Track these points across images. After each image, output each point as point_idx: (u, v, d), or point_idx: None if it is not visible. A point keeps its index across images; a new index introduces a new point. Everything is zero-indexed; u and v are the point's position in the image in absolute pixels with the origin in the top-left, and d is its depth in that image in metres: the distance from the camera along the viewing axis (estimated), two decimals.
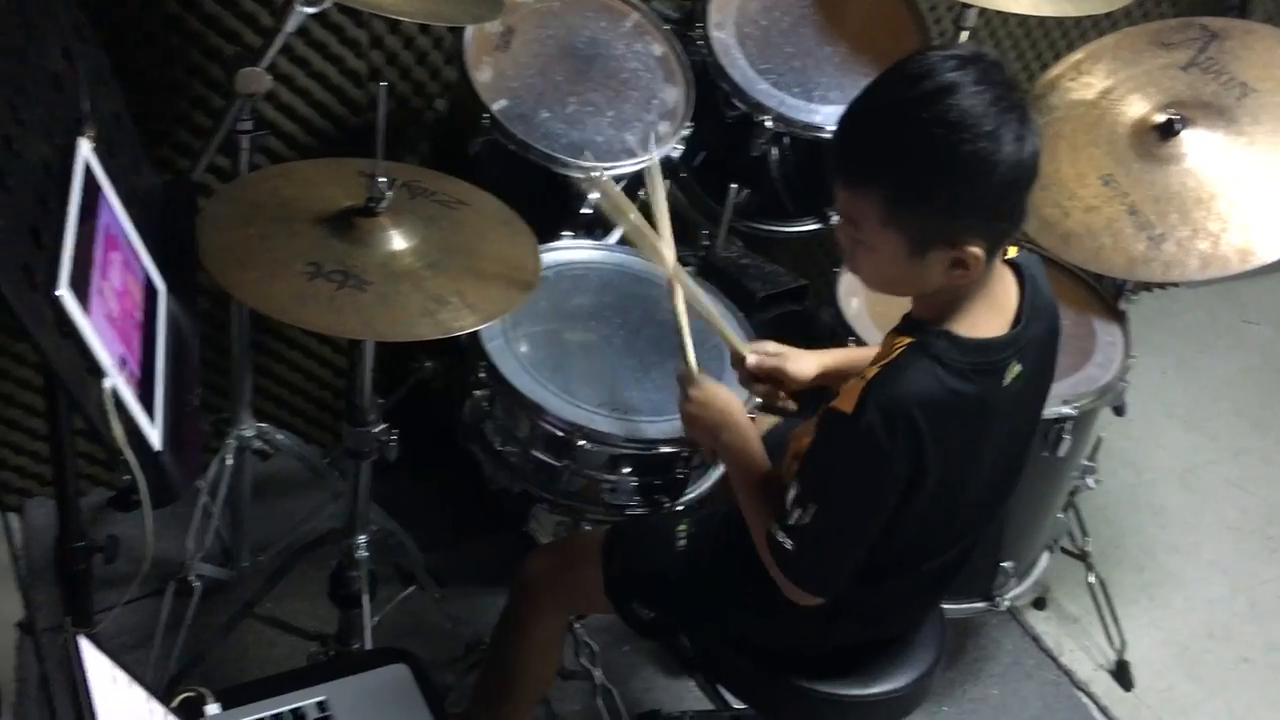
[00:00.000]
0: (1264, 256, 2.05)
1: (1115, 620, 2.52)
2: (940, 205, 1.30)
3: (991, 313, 1.40)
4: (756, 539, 1.51)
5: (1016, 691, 2.43)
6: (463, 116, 2.06)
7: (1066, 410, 2.04)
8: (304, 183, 1.68)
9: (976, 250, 1.31)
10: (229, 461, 2.18)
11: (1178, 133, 2.12)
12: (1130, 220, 2.11)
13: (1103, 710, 2.43)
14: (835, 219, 2.10)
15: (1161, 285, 3.47)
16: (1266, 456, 3.12)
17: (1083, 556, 2.51)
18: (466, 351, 1.91)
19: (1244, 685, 2.53)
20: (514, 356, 1.87)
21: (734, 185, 2.21)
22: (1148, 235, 2.09)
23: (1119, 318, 2.25)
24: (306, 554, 2.10)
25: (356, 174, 1.65)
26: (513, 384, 1.83)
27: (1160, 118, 2.14)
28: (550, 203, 2.07)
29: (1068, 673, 2.49)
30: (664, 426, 1.84)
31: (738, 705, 1.88)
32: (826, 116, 2.24)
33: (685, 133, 2.14)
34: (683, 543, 1.70)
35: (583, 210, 2.07)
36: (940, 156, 1.27)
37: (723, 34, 2.28)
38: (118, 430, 1.18)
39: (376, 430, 1.79)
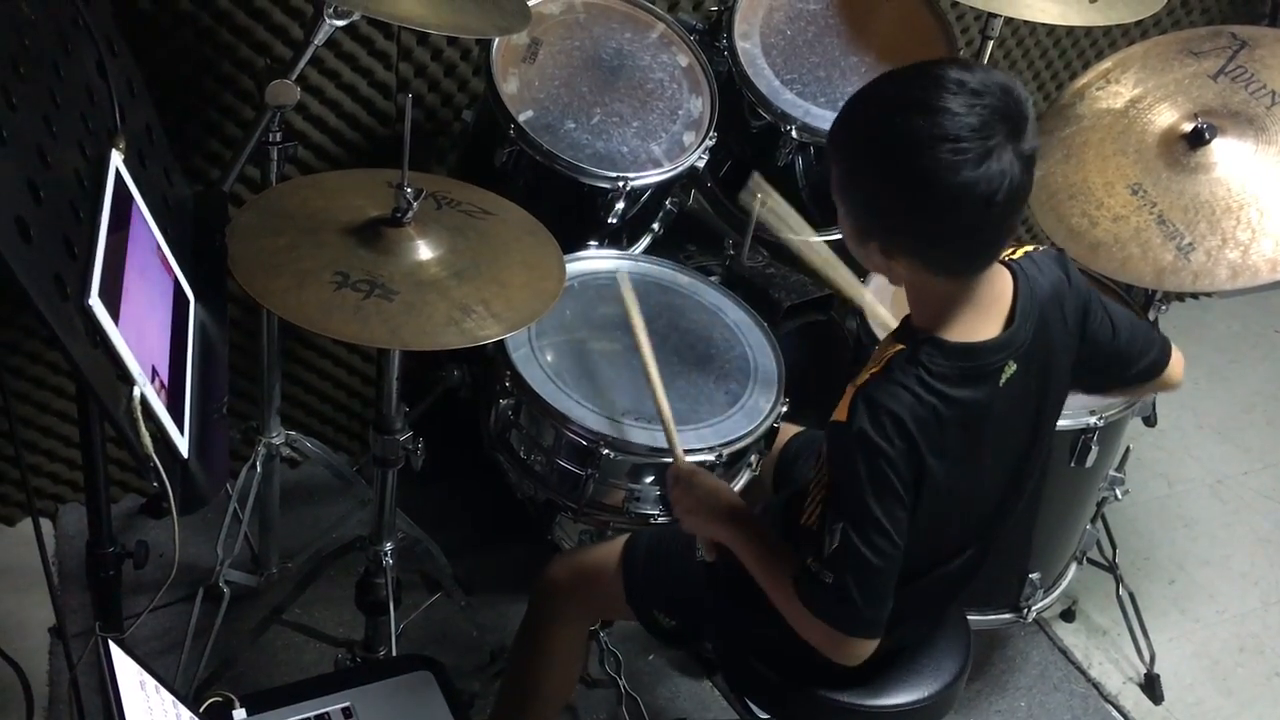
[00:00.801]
0: None
1: (1145, 633, 2.50)
2: (874, 206, 1.34)
3: (981, 318, 1.38)
4: (783, 600, 1.46)
5: (1044, 704, 2.42)
6: (490, 127, 2.08)
7: (1092, 420, 2.03)
8: (332, 193, 1.70)
9: (900, 267, 1.35)
10: (258, 469, 2.20)
11: (1208, 141, 2.10)
12: (1159, 229, 2.09)
13: None
14: None
15: (1193, 295, 3.44)
16: None
17: (1112, 568, 2.49)
18: (492, 361, 1.92)
19: (1276, 700, 2.50)
20: (539, 365, 1.88)
21: (759, 195, 2.21)
22: (1176, 245, 2.07)
23: None
24: (334, 561, 2.11)
25: (384, 184, 1.67)
26: (538, 393, 1.84)
27: (1189, 126, 2.13)
28: (576, 212, 2.08)
29: (1096, 685, 2.47)
30: (688, 436, 1.84)
31: (762, 716, 1.88)
32: None
33: (710, 143, 2.15)
34: (703, 549, 1.70)
35: (609, 220, 2.08)
36: (882, 159, 1.29)
37: (748, 44, 2.29)
38: (146, 438, 1.19)
39: (403, 438, 1.80)
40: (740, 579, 1.64)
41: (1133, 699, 2.46)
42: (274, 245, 1.57)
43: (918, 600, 1.61)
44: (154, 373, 1.26)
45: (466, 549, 2.40)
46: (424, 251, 1.59)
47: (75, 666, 1.65)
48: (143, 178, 1.43)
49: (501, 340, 1.84)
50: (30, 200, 1.10)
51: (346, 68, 2.24)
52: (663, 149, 2.12)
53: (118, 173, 1.33)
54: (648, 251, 2.21)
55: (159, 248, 1.41)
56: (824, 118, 2.23)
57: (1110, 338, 1.55)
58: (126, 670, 1.11)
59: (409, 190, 1.58)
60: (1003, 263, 1.43)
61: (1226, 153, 2.11)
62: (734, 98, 2.25)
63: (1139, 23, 2.71)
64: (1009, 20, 2.35)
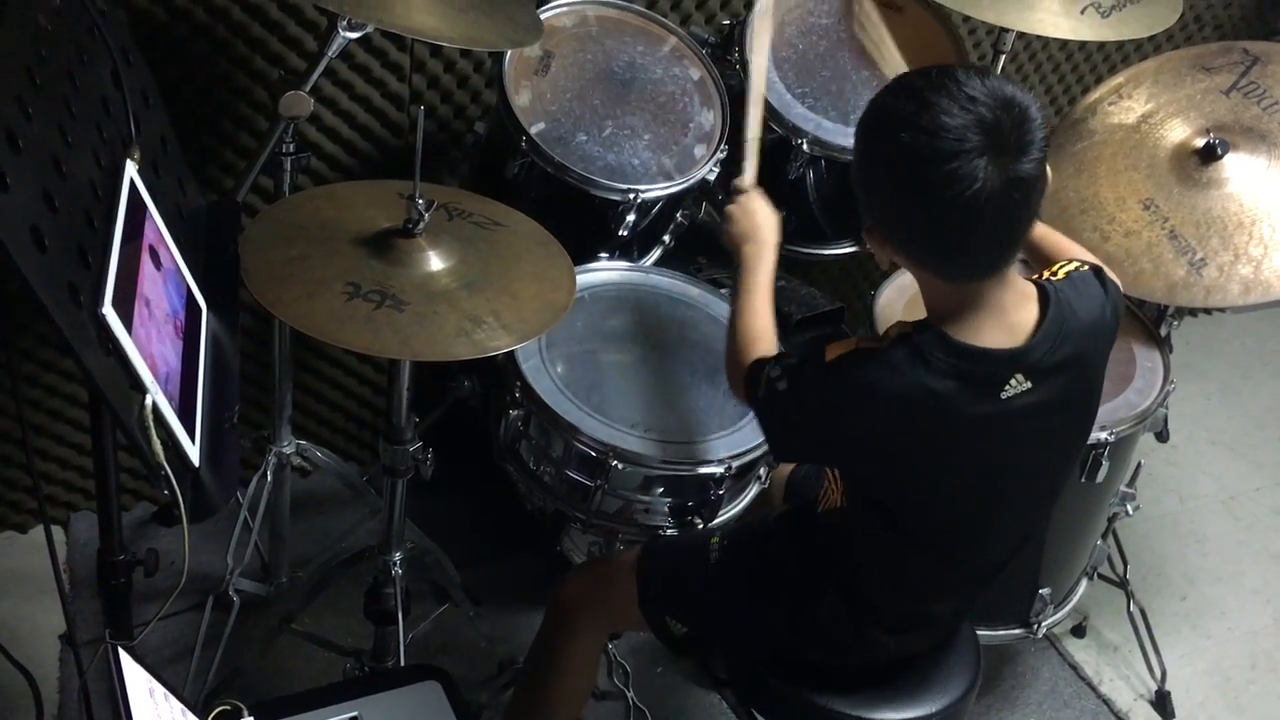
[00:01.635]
0: None
1: (1156, 649, 2.49)
2: (864, 183, 1.38)
3: (991, 326, 1.38)
4: (738, 359, 1.62)
5: None
6: (502, 139, 2.08)
7: (1103, 436, 2.02)
8: (344, 204, 1.71)
9: (889, 253, 1.40)
10: (269, 478, 2.21)
11: (1220, 157, 2.10)
12: (1171, 245, 2.09)
13: None
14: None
15: (1206, 310, 3.43)
16: None
17: (1123, 584, 2.48)
18: (502, 372, 1.92)
19: None
20: (549, 377, 1.89)
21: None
22: (1188, 260, 2.07)
23: (1159, 343, 2.23)
24: (343, 570, 2.12)
25: (396, 196, 1.67)
26: (548, 404, 1.84)
27: (1201, 141, 2.13)
28: (587, 224, 2.08)
29: (1107, 702, 2.46)
30: (698, 448, 1.84)
31: None
32: None
33: (722, 155, 2.15)
34: (715, 554, 1.72)
35: (620, 232, 2.08)
36: (867, 136, 1.36)
37: (760, 58, 2.29)
38: (158, 446, 1.20)
39: (413, 448, 1.80)
40: (752, 581, 1.66)
41: (1144, 715, 2.44)
42: (286, 255, 1.57)
43: (939, 606, 1.62)
44: (165, 380, 1.27)
45: (475, 559, 2.40)
46: (435, 262, 1.60)
47: (85, 673, 1.65)
48: (157, 187, 1.44)
49: (512, 351, 1.84)
50: (45, 209, 1.11)
51: (360, 80, 2.25)
52: (674, 161, 2.13)
53: (132, 182, 1.34)
54: (658, 263, 2.22)
55: (173, 257, 1.42)
56: (835, 131, 2.24)
57: None
58: (136, 678, 1.11)
59: (421, 201, 1.58)
60: (1036, 282, 1.44)
61: (1239, 168, 2.11)
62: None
63: (1151, 38, 2.72)
64: (1021, 34, 2.35)
